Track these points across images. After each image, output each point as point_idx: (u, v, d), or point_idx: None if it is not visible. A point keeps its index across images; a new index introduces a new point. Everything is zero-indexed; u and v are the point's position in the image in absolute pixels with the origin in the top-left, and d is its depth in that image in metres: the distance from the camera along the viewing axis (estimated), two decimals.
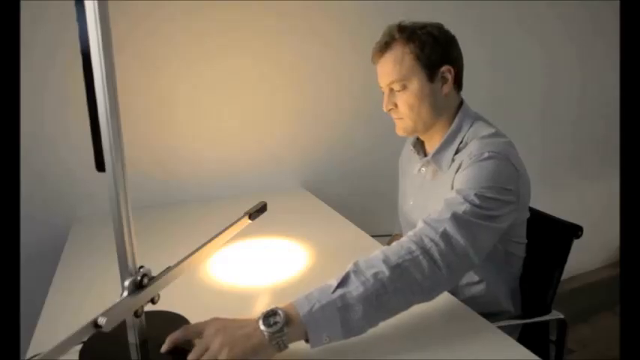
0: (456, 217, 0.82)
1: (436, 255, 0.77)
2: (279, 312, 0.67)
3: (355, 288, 0.71)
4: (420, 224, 0.83)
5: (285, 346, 0.67)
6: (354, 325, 0.70)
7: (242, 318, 0.69)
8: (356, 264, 0.75)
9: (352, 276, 0.73)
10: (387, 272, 0.73)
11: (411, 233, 0.82)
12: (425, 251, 0.77)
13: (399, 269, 0.74)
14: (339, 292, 0.70)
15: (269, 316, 0.67)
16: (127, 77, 1.24)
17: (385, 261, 0.75)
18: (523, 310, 1.09)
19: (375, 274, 0.72)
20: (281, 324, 0.66)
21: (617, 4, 2.02)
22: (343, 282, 0.72)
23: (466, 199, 0.84)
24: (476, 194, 0.85)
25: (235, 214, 0.85)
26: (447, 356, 0.72)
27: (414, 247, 0.77)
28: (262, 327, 0.66)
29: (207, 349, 0.64)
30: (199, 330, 0.68)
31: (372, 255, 0.77)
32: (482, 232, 0.84)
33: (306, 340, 0.69)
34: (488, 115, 1.07)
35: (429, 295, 0.78)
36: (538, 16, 2.06)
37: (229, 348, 0.63)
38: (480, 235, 0.83)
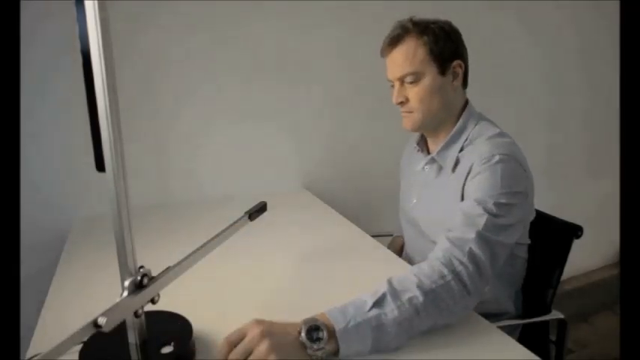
0: (480, 236, 0.83)
1: (465, 279, 0.78)
2: (323, 328, 0.68)
3: (391, 311, 0.72)
4: (444, 243, 0.83)
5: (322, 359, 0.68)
6: (384, 345, 0.71)
7: (284, 323, 0.70)
8: (390, 283, 0.76)
9: (389, 298, 0.73)
10: (421, 298, 0.73)
11: (440, 254, 0.81)
12: (456, 275, 0.78)
13: (432, 294, 0.75)
14: (375, 312, 0.71)
15: (312, 330, 0.68)
16: (127, 77, 1.24)
17: (420, 286, 0.75)
18: (523, 310, 1.09)
19: (410, 299, 0.73)
20: (324, 341, 0.67)
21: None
22: (379, 302, 0.72)
23: (485, 210, 0.86)
24: (494, 203, 0.86)
25: (235, 214, 0.85)
26: (447, 356, 0.72)
27: (445, 271, 0.78)
28: (306, 340, 0.67)
29: (251, 350, 0.65)
30: (242, 335, 0.68)
31: (405, 276, 0.78)
32: (500, 249, 0.85)
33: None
34: (489, 115, 1.07)
35: (454, 317, 0.78)
36: (541, 14, 2.06)
37: (275, 354, 0.64)
38: (499, 252, 0.85)
